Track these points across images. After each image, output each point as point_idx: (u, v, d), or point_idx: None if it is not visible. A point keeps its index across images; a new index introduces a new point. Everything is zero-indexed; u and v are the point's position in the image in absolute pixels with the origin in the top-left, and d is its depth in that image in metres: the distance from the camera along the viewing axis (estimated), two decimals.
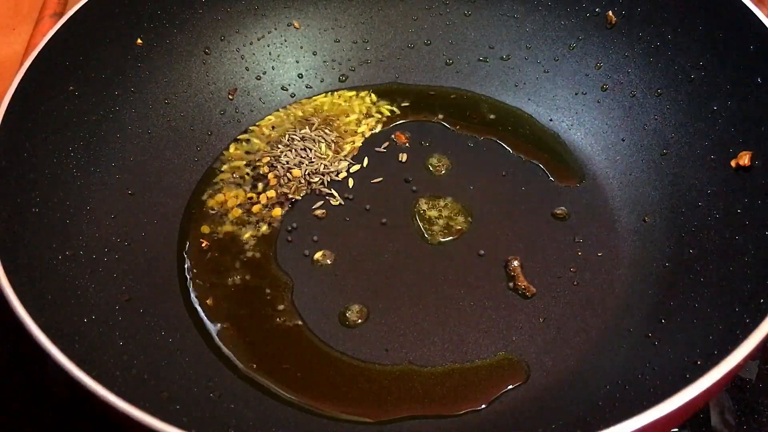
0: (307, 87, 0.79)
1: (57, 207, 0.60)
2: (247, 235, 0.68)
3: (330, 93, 0.79)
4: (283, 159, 0.73)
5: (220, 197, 0.71)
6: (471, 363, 0.60)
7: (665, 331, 0.58)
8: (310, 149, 0.73)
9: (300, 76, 0.79)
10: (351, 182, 0.72)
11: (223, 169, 0.73)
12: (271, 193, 0.71)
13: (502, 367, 0.60)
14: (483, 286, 0.64)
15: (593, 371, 0.59)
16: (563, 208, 0.69)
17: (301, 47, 0.80)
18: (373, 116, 0.77)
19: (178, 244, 0.68)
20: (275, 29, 0.79)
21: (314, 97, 0.78)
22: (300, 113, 0.77)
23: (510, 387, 0.59)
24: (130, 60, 0.70)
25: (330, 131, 0.75)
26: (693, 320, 0.56)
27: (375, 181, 0.72)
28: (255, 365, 0.60)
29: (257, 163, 0.73)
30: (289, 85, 0.79)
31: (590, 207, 0.70)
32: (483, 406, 0.58)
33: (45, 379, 0.62)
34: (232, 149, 0.74)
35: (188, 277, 0.65)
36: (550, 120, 0.76)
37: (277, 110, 0.77)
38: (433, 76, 0.80)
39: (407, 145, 0.75)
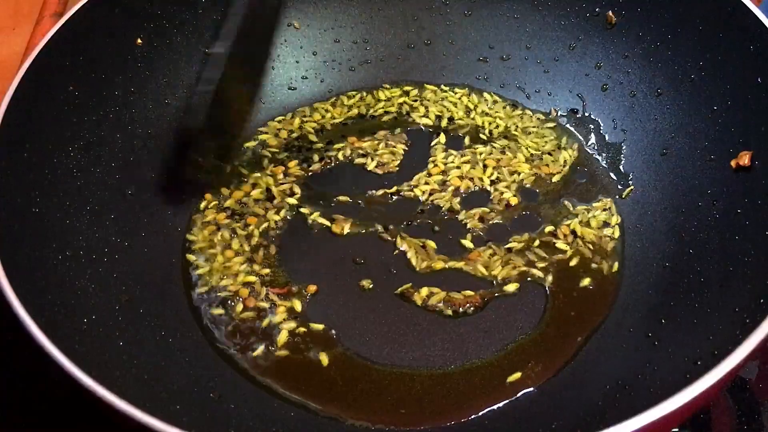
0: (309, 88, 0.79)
1: (57, 207, 0.60)
2: (247, 233, 0.68)
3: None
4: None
5: (224, 194, 0.71)
6: (471, 363, 0.60)
7: (665, 331, 0.58)
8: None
9: (304, 77, 0.79)
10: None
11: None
12: (273, 190, 0.71)
13: (502, 367, 0.60)
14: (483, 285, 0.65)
15: (593, 371, 0.59)
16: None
17: (301, 47, 0.80)
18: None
19: (179, 243, 0.68)
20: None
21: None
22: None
23: (510, 387, 0.59)
24: (130, 60, 0.70)
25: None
26: (693, 320, 0.56)
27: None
28: (254, 365, 0.60)
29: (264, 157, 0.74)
30: (294, 85, 0.79)
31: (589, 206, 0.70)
32: (483, 406, 0.58)
33: (45, 379, 0.62)
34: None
35: (192, 277, 0.66)
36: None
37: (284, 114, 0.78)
38: (434, 76, 0.80)
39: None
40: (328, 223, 0.69)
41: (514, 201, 0.70)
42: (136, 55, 0.70)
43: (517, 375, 0.59)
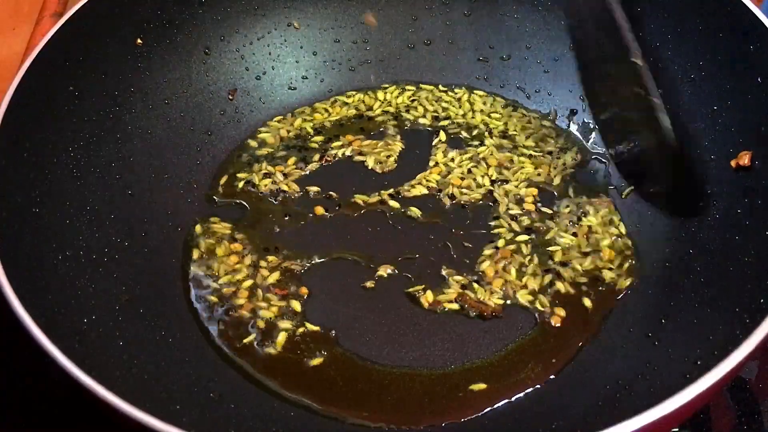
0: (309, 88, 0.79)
1: (57, 207, 0.60)
2: (247, 234, 0.68)
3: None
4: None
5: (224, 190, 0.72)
6: (471, 363, 0.60)
7: (665, 331, 0.58)
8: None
9: (304, 77, 0.79)
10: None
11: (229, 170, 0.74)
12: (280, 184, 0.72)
13: (502, 367, 0.60)
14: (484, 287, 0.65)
15: (593, 371, 0.59)
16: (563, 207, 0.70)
17: (301, 47, 0.80)
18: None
19: (179, 243, 0.68)
20: (275, 29, 0.79)
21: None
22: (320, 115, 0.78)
23: (510, 387, 0.59)
24: (130, 60, 0.70)
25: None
26: (693, 320, 0.56)
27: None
28: (254, 365, 0.60)
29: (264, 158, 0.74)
30: (294, 85, 0.79)
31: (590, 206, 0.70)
32: (483, 406, 0.58)
33: (45, 379, 0.62)
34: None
35: (189, 276, 0.66)
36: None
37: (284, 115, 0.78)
38: (433, 76, 0.80)
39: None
40: (328, 219, 0.69)
41: (516, 201, 0.70)
42: (136, 55, 0.70)
43: (517, 375, 0.59)
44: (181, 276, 0.66)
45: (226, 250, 0.67)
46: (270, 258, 0.67)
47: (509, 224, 0.68)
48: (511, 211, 0.69)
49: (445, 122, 0.77)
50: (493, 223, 0.69)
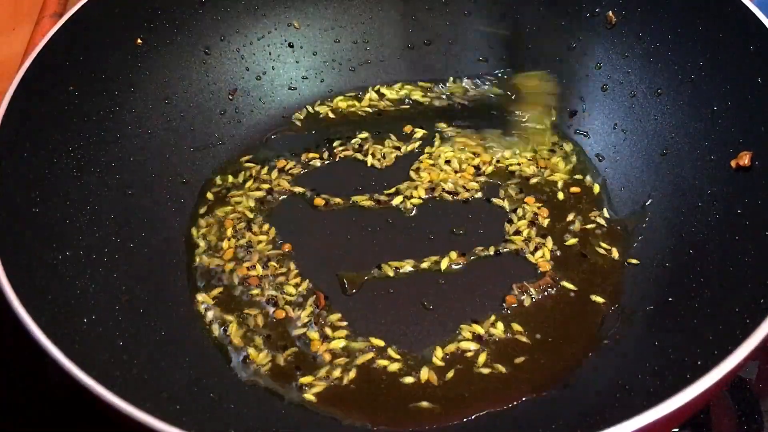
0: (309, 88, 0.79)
1: (57, 207, 0.60)
2: (247, 234, 0.68)
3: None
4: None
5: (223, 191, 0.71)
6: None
7: (665, 331, 0.58)
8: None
9: (304, 77, 0.79)
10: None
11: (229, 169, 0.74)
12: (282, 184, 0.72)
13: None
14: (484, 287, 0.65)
15: (593, 371, 0.59)
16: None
17: (301, 47, 0.80)
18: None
19: (179, 243, 0.68)
20: (275, 29, 0.79)
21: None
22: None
23: (510, 388, 0.59)
24: (130, 60, 0.70)
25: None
26: (693, 320, 0.56)
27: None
28: (254, 364, 0.60)
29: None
30: (294, 85, 0.79)
31: (590, 207, 0.70)
32: (483, 407, 0.58)
33: (45, 379, 0.62)
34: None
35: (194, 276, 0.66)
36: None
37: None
38: (433, 76, 0.80)
39: None
40: (328, 218, 0.69)
41: (517, 200, 0.70)
42: (136, 55, 0.70)
43: (517, 376, 0.59)
44: (179, 276, 0.66)
45: (228, 254, 0.67)
46: (272, 264, 0.67)
47: (510, 222, 0.68)
48: (512, 209, 0.69)
49: (445, 125, 0.77)
50: (495, 222, 0.68)
